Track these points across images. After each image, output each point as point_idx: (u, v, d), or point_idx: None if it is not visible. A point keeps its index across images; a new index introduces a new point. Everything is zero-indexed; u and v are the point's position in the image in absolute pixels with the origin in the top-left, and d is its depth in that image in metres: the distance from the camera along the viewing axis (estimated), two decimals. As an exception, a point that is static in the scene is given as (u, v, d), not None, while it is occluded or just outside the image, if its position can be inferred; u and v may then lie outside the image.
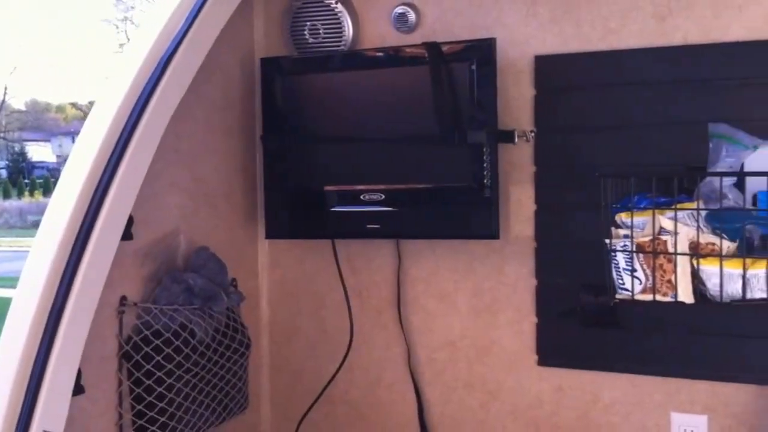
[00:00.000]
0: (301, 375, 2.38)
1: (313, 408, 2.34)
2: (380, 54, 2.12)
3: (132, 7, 22.16)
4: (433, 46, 1.99)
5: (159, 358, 1.87)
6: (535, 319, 2.12)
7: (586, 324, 2.03)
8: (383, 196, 2.10)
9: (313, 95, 2.19)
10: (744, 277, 1.75)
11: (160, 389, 1.88)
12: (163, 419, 1.89)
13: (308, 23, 2.22)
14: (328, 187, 2.16)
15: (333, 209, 2.16)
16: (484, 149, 1.99)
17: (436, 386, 2.25)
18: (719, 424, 1.96)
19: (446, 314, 2.22)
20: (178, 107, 1.76)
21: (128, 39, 19.48)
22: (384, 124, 2.11)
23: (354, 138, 2.13)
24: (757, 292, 1.76)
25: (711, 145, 1.86)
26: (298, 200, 2.21)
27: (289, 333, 2.39)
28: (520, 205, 2.10)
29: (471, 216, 2.06)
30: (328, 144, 2.17)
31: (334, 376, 2.31)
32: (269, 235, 2.27)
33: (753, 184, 1.82)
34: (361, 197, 2.12)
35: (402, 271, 2.25)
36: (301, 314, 2.38)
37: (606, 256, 1.87)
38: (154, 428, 1.88)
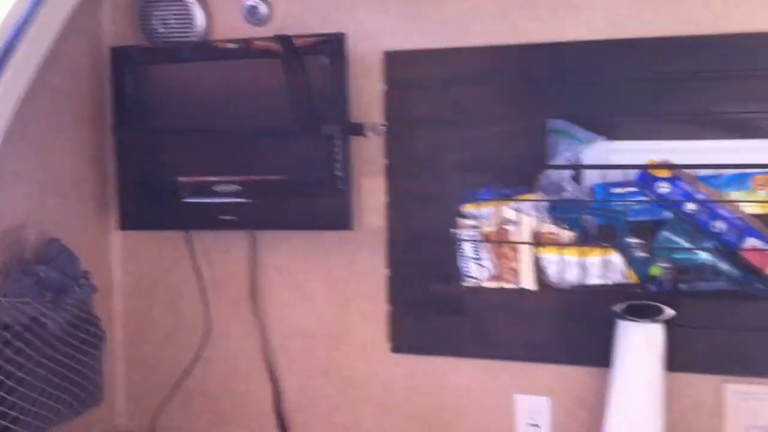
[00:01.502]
0: (157, 367, 2.36)
1: (170, 399, 2.34)
2: (232, 45, 2.11)
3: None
4: (284, 39, 2.00)
5: (10, 352, 1.83)
6: (387, 308, 2.17)
7: (435, 312, 2.10)
8: (238, 188, 2.10)
9: (166, 86, 2.17)
10: (581, 264, 1.86)
11: (11, 383, 1.83)
12: (14, 414, 1.84)
13: (158, 13, 2.19)
14: (181, 179, 2.15)
15: (187, 201, 2.15)
16: (336, 142, 2.02)
17: (293, 375, 2.27)
18: (561, 405, 2.06)
19: (301, 304, 2.24)
20: (25, 96, 1.71)
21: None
22: (238, 115, 2.11)
23: (207, 129, 2.12)
24: (592, 278, 1.88)
25: (550, 140, 1.95)
26: (152, 191, 2.19)
27: (145, 325, 2.37)
28: (372, 197, 2.14)
29: (325, 207, 2.09)
30: (181, 135, 2.15)
31: (190, 368, 2.31)
32: (123, 227, 2.24)
33: (590, 177, 1.93)
34: (216, 189, 2.12)
35: (257, 262, 2.26)
36: (156, 306, 2.36)
37: (453, 246, 1.94)
38: (5, 423, 1.83)
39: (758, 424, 1.87)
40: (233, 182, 2.11)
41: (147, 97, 2.17)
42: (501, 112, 2.03)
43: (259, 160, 2.11)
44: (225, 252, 2.29)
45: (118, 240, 2.36)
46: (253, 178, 2.11)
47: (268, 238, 2.24)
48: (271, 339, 2.28)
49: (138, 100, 2.16)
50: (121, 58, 2.17)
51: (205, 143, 2.14)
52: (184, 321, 2.33)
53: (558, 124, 1.95)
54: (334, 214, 2.08)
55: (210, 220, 2.15)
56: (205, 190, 2.13)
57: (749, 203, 1.80)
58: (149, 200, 2.20)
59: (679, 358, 1.92)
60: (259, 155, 2.11)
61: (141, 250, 2.36)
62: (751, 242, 1.74)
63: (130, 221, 2.22)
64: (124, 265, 2.37)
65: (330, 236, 2.18)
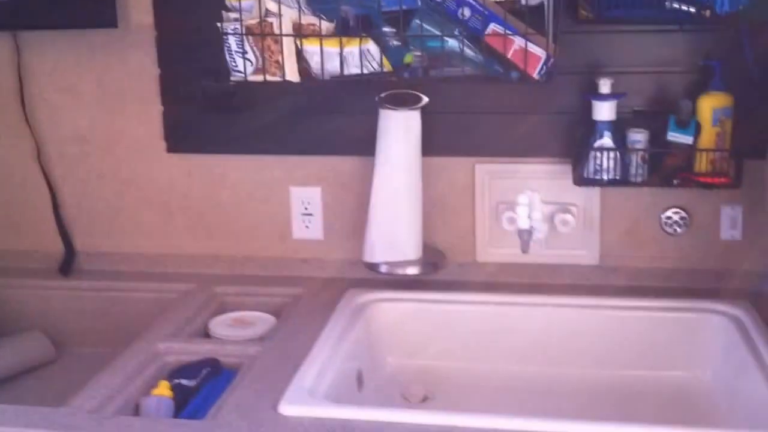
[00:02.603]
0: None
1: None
2: None
3: None
4: None
5: None
6: (160, 108, 2.19)
7: (207, 109, 2.15)
8: (-6, -13, 2.03)
9: None
10: (341, 54, 1.95)
11: None
12: None
13: None
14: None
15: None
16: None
17: (69, 180, 2.29)
18: (330, 192, 2.19)
19: (73, 107, 2.23)
20: None
21: None
22: None
23: None
24: (352, 68, 1.97)
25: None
26: None
27: None
28: (138, -7, 2.12)
29: (89, 4, 2.05)
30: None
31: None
32: None
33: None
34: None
35: (23, 66, 2.21)
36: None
37: (220, 41, 1.97)
38: None
39: (506, 200, 2.07)
40: (-10, -20, 2.03)
41: None
42: None
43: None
44: (-12, 57, 2.22)
45: None
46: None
47: (32, 40, 2.19)
48: (44, 145, 2.26)
49: None
50: None
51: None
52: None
53: None
54: (99, 11, 2.05)
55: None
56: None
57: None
58: None
59: (435, 143, 2.08)
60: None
61: None
62: (493, 28, 1.87)
63: None
64: None
65: (98, 36, 2.16)
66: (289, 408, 1.51)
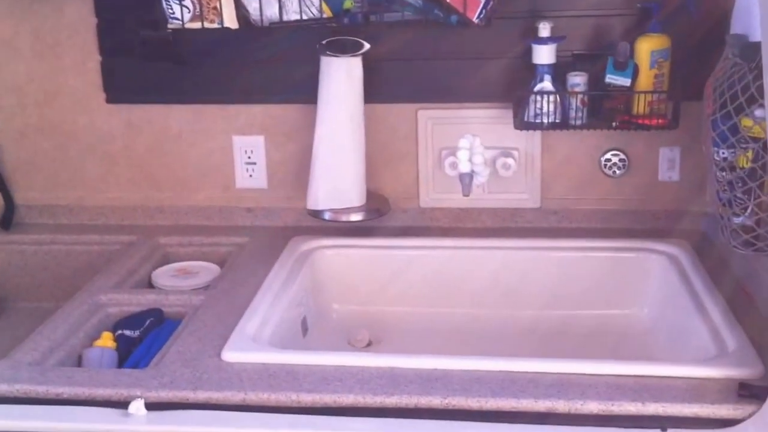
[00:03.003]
0: None
1: None
2: None
3: None
4: None
5: None
6: (99, 58, 2.16)
7: (147, 59, 2.11)
8: None
9: None
10: (279, 0, 1.93)
11: None
12: None
13: None
14: None
15: None
16: None
17: (8, 134, 2.24)
18: (273, 141, 2.18)
19: (9, 59, 2.18)
20: None
21: None
22: None
23: None
24: (292, 15, 1.95)
25: None
26: None
27: None
28: (72, -59, 2.07)
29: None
30: None
31: None
32: None
33: None
34: None
35: (-46, 20, 2.17)
36: None
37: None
38: None
39: (449, 145, 2.08)
40: None
41: None
42: None
43: None
44: None
45: None
46: None
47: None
48: (-19, 99, 2.23)
49: None
50: None
51: None
52: None
53: None
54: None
55: None
56: None
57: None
58: None
59: (377, 90, 2.07)
60: None
61: None
62: (431, -29, 1.87)
63: None
64: None
65: (33, -14, 2.12)
66: (232, 355, 1.52)
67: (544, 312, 1.99)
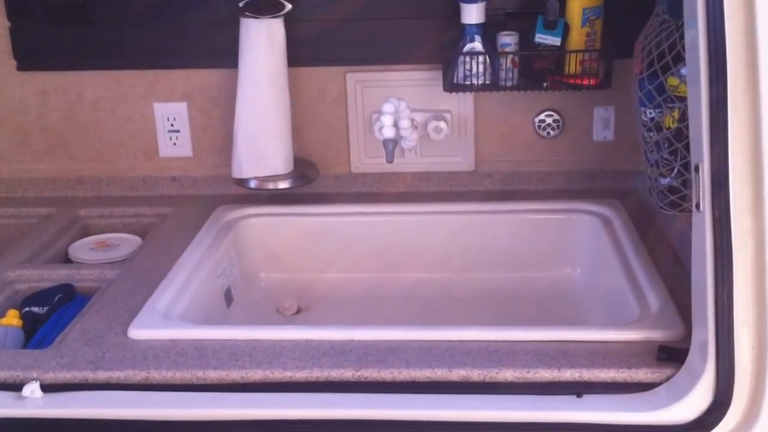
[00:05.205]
0: None
1: None
2: None
3: None
4: None
5: None
6: (7, 23, 2.05)
7: (58, 23, 2.02)
8: None
9: None
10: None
11: None
12: None
13: None
14: None
15: None
16: None
17: None
18: (196, 107, 2.10)
19: None
20: None
21: None
22: None
23: None
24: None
25: None
26: None
27: None
28: None
29: None
30: None
31: None
32: None
33: None
34: None
35: None
36: None
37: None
38: None
39: (378, 109, 2.01)
40: None
41: None
42: None
43: None
44: None
45: None
46: None
47: None
48: None
49: None
50: None
51: None
52: None
53: None
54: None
55: None
56: None
57: None
58: None
59: (303, 53, 2.00)
60: None
61: None
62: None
63: None
64: None
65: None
66: (138, 332, 1.45)
67: (477, 275, 1.95)
